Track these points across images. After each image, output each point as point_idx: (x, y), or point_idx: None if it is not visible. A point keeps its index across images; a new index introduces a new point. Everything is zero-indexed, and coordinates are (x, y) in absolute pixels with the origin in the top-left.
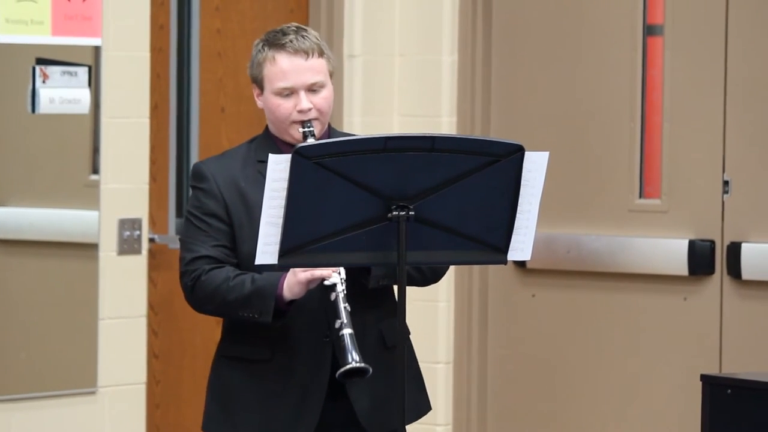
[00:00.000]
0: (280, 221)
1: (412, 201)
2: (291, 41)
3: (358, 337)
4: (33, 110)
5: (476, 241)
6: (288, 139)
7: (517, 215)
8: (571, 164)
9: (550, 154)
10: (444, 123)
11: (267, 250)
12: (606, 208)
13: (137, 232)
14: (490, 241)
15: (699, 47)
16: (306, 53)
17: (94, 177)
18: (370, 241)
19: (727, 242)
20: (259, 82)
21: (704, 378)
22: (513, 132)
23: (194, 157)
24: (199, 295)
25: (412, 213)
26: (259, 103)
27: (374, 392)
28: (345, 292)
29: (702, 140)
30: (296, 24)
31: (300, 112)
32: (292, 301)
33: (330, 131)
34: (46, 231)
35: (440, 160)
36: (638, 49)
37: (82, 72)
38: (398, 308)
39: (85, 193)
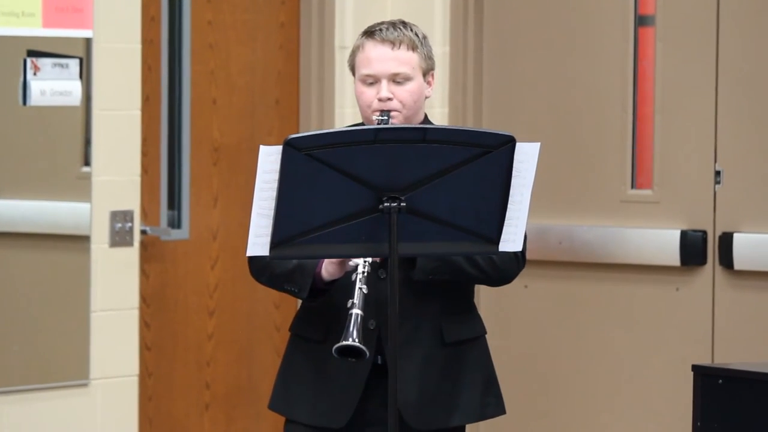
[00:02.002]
0: (272, 213)
1: (404, 192)
2: (381, 30)
3: (411, 330)
4: (24, 102)
5: (468, 232)
6: None
7: (509, 206)
8: (562, 155)
9: (541, 145)
10: (436, 114)
11: (258, 242)
12: (598, 199)
13: (129, 224)
14: (481, 232)
15: (691, 38)
16: (393, 43)
17: (85, 169)
18: (361, 232)
19: (719, 232)
20: (352, 69)
21: (695, 368)
22: (504, 123)
23: (186, 149)
24: (257, 266)
25: (404, 204)
26: (355, 91)
27: (422, 387)
28: (366, 274)
29: (693, 131)
30: (402, 20)
31: (380, 100)
32: (332, 282)
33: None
34: (38, 223)
35: (432, 151)
36: (630, 40)
37: (74, 64)
38: (390, 303)
39: (76, 185)
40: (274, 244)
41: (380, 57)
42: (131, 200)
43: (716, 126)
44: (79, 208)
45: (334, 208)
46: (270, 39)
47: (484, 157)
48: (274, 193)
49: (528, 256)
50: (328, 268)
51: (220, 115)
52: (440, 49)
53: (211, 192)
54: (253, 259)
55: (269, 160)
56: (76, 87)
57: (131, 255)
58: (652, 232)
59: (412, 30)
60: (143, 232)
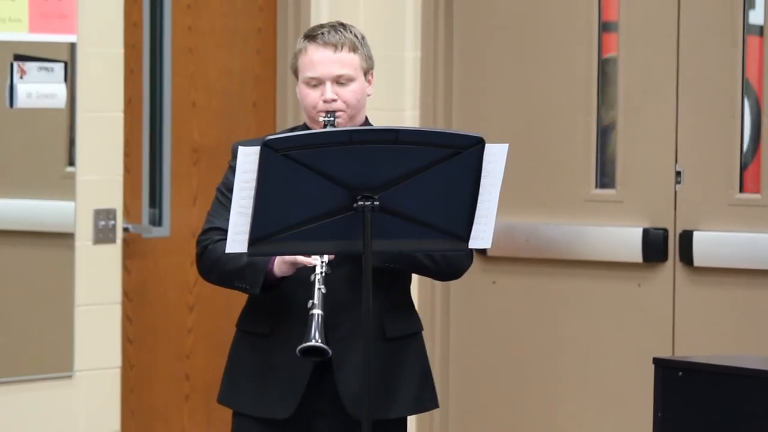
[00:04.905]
0: (250, 211)
1: (377, 191)
2: (323, 34)
3: (354, 325)
4: (11, 105)
5: (439, 230)
6: (316, 128)
7: (478, 205)
8: (530, 156)
9: (509, 146)
10: (407, 116)
11: (237, 239)
12: (563, 198)
13: (112, 222)
14: (452, 229)
15: (652, 43)
16: (335, 46)
17: (70, 169)
18: (336, 230)
19: (679, 230)
20: (295, 72)
21: (656, 361)
22: (474, 125)
23: (167, 150)
24: (205, 264)
25: (377, 203)
26: (297, 93)
27: (365, 380)
28: (324, 274)
29: (655, 133)
30: (341, 21)
31: (325, 102)
32: (283, 278)
33: (365, 125)
34: (24, 221)
35: (404, 152)
36: (594, 45)
37: (59, 68)
38: (363, 299)
39: (61, 184)
40: (252, 241)
41: (323, 60)
42: (114, 199)
43: (677, 128)
44: (63, 207)
45: (309, 206)
46: (248, 44)
47: (454, 158)
48: (252, 192)
49: (496, 252)
50: (281, 267)
51: (199, 117)
52: (411, 54)
53: (190, 191)
54: (201, 257)
55: (248, 160)
56: (60, 90)
57: (114, 252)
58: (615, 230)
59: (351, 32)
60: (125, 230)
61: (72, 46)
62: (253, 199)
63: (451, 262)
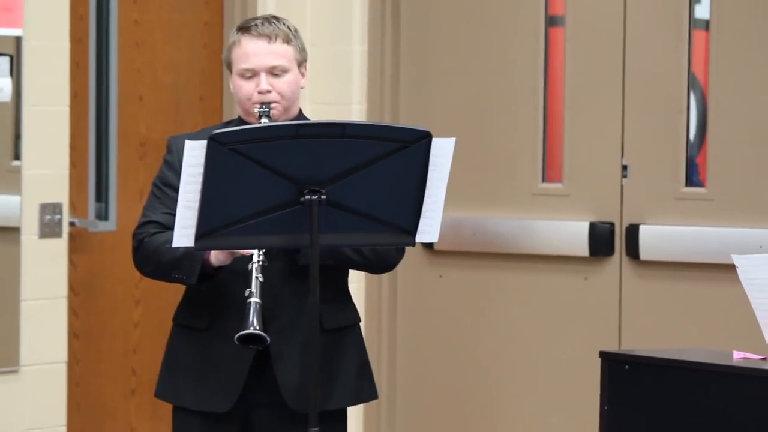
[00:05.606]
0: (197, 205)
1: (324, 185)
2: (257, 26)
3: (291, 317)
4: None
5: (386, 223)
6: (252, 120)
7: (425, 199)
8: (477, 150)
9: (456, 140)
10: (354, 110)
11: (184, 233)
12: (510, 192)
13: (58, 216)
14: (399, 223)
15: (599, 38)
16: (269, 37)
17: (16, 163)
18: (283, 224)
19: (625, 224)
20: (228, 65)
21: (603, 354)
22: (421, 119)
23: (113, 144)
24: (142, 256)
25: (324, 197)
26: (231, 86)
27: (303, 372)
28: (261, 263)
29: (601, 127)
30: (273, 15)
31: (260, 93)
32: (220, 267)
33: (300, 117)
34: None
35: (351, 146)
36: (540, 40)
37: (4, 61)
38: (310, 291)
39: (7, 178)
40: (199, 235)
41: (258, 51)
42: (60, 193)
43: (623, 122)
44: (9, 201)
45: (257, 200)
46: (194, 38)
47: (401, 152)
48: (199, 187)
49: (442, 247)
50: (218, 256)
51: (146, 111)
52: (359, 48)
53: (137, 185)
54: (137, 250)
55: (194, 154)
56: (6, 84)
57: (60, 246)
58: (562, 224)
59: (285, 24)
60: (72, 224)
61: (18, 40)
62: (200, 194)
63: (380, 256)
